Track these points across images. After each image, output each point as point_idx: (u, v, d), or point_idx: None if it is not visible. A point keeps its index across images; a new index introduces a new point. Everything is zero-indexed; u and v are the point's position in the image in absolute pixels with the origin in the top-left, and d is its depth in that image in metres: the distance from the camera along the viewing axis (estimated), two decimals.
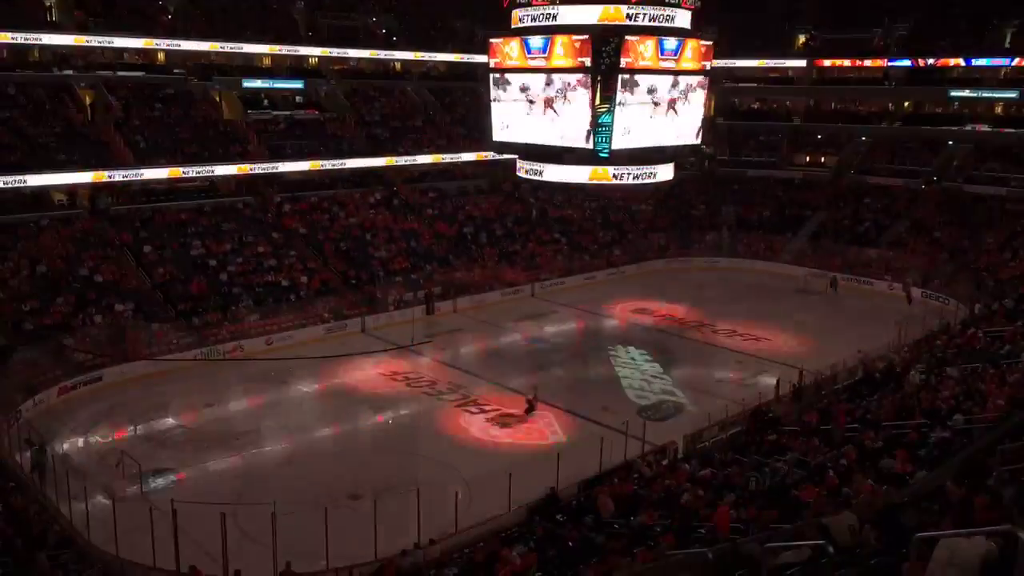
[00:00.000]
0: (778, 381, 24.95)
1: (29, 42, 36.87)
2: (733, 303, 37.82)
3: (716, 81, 30.83)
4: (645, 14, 18.98)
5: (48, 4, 38.27)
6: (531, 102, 20.72)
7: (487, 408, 25.59)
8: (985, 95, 49.60)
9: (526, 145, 21.67)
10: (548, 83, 20.17)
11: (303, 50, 45.66)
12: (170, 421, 24.19)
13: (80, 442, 22.46)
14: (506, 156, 25.68)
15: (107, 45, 38.64)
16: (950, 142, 49.68)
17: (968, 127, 49.59)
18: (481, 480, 19.74)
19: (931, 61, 50.33)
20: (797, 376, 25.21)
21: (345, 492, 19.66)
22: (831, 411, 18.76)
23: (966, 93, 49.91)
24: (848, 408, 19.29)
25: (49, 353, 26.81)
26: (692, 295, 37.83)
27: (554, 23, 19.65)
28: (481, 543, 16.55)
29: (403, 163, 44.87)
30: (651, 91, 20.01)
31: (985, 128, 49.02)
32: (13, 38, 35.84)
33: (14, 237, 31.81)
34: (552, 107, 20.32)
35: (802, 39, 57.14)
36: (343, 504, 19.00)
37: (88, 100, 38.02)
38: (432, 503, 17.25)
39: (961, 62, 49.45)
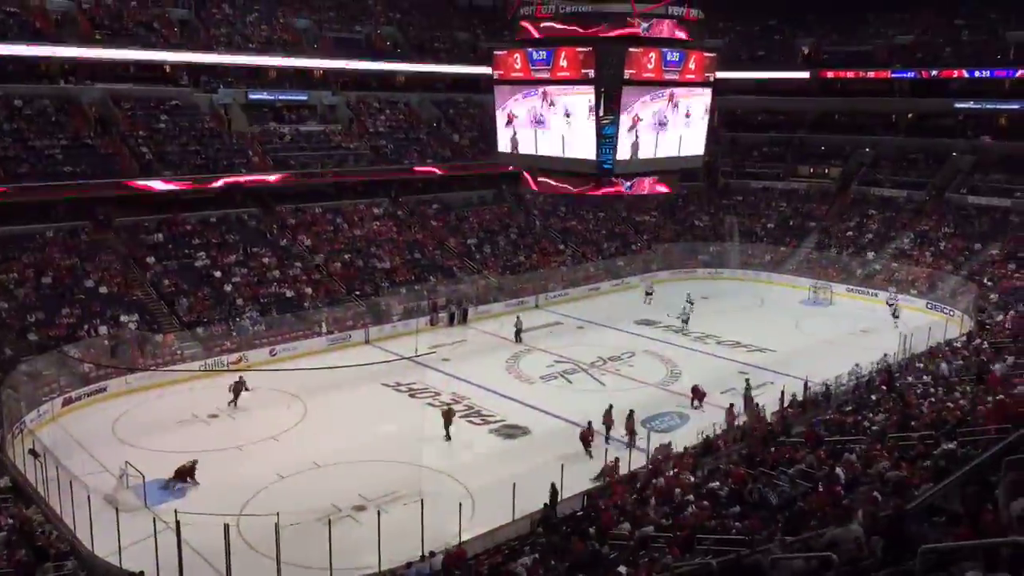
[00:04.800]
0: (783, 392, 24.89)
1: (36, 54, 37.06)
2: (737, 314, 37.78)
3: (720, 92, 30.86)
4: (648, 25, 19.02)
5: (55, 17, 38.49)
6: (538, 118, 20.71)
7: (491, 419, 25.56)
8: (989, 107, 49.66)
9: (532, 157, 21.68)
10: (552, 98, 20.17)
11: (307, 62, 45.82)
12: (174, 432, 24.17)
13: (84, 453, 22.44)
14: (511, 168, 25.67)
15: (113, 57, 38.86)
16: (954, 153, 49.70)
17: (972, 138, 49.65)
18: (485, 491, 19.71)
19: (935, 72, 50.41)
20: (802, 387, 25.19)
21: (349, 503, 19.62)
22: None
23: (970, 105, 49.98)
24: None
25: (53, 364, 26.85)
26: (696, 306, 37.69)
27: (557, 35, 19.69)
28: (485, 554, 16.52)
29: (407, 175, 45.00)
30: (655, 102, 20.03)
31: (989, 139, 49.07)
32: (19, 50, 36.02)
33: (20, 248, 31.98)
34: (558, 118, 20.33)
35: (805, 50, 57.26)
36: (347, 515, 18.99)
37: (94, 112, 38.20)
38: (436, 514, 17.21)
39: (965, 73, 49.50)
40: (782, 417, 22.84)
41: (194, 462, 20.90)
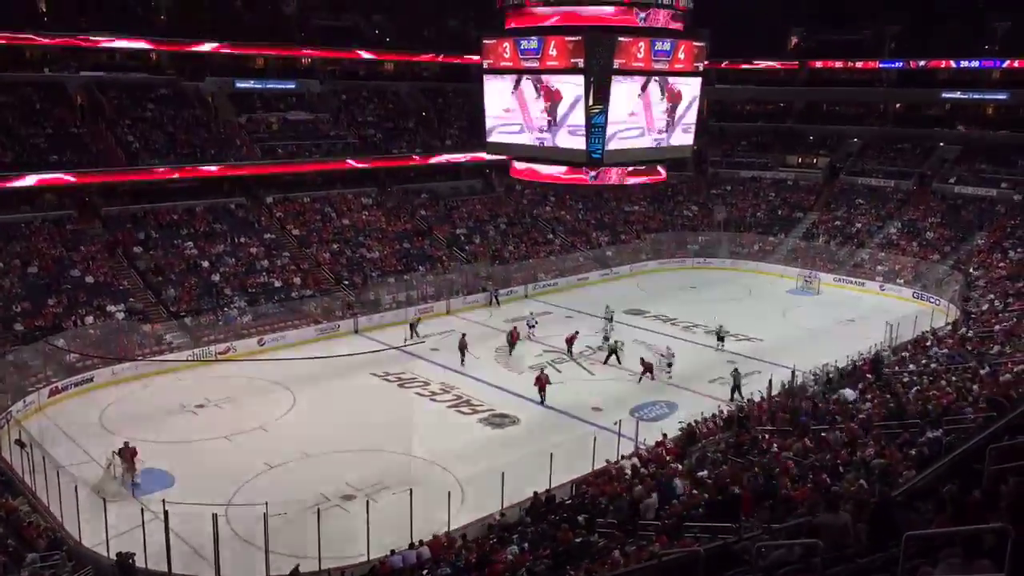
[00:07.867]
0: (770, 381, 24.98)
1: (20, 42, 36.64)
2: (725, 304, 37.87)
3: (709, 82, 30.94)
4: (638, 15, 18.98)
5: (40, 4, 38.06)
6: (527, 103, 20.64)
7: (480, 408, 25.58)
8: (976, 97, 49.92)
9: (521, 147, 21.62)
10: (543, 84, 20.11)
11: (295, 51, 45.49)
12: (161, 422, 24.08)
13: (71, 443, 22.34)
14: (499, 157, 25.61)
15: (99, 46, 38.47)
16: (941, 143, 49.95)
17: (959, 128, 49.90)
18: (474, 480, 19.74)
19: (923, 63, 50.60)
20: (790, 376, 25.28)
21: (338, 492, 19.62)
22: None
23: (957, 95, 50.21)
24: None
25: (40, 354, 26.69)
26: (685, 296, 37.83)
27: (547, 24, 19.61)
28: (474, 543, 16.54)
29: (396, 165, 44.85)
30: (644, 93, 20.01)
31: (976, 130, 49.34)
32: (4, 37, 35.63)
33: (5, 237, 31.73)
34: (547, 108, 20.28)
35: (794, 40, 57.32)
36: (336, 504, 18.99)
37: (80, 100, 37.85)
38: (425, 503, 17.23)
39: (952, 64, 49.71)
40: (769, 406, 22.92)
41: (124, 445, 20.32)
